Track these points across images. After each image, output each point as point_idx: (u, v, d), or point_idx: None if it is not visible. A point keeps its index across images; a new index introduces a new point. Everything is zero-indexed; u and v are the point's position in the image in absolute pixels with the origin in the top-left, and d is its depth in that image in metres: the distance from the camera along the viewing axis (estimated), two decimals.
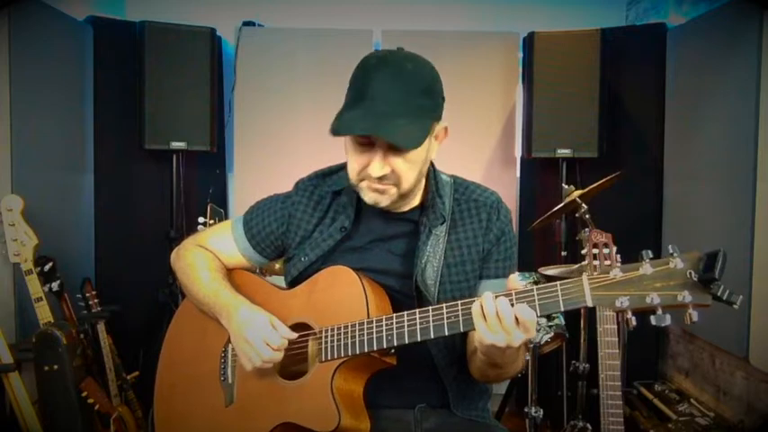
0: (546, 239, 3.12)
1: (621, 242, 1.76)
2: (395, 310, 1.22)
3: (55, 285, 2.42)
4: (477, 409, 1.41)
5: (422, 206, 1.36)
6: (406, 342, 1.17)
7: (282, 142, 3.26)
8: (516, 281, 1.12)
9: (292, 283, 1.41)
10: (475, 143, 3.25)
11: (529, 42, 3.07)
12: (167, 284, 2.93)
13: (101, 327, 2.58)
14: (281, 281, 1.50)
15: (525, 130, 3.11)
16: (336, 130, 1.20)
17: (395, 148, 1.21)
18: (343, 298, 1.26)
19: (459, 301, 1.13)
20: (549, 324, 2.37)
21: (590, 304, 1.03)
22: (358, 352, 1.21)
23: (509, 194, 3.25)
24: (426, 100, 1.22)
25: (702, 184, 2.69)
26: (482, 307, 1.08)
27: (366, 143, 1.22)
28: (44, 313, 2.28)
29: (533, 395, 2.57)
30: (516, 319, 1.05)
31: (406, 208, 1.36)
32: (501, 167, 3.31)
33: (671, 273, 0.98)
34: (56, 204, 2.74)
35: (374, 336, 1.19)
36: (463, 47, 3.25)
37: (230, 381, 1.39)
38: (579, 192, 2.41)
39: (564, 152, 2.99)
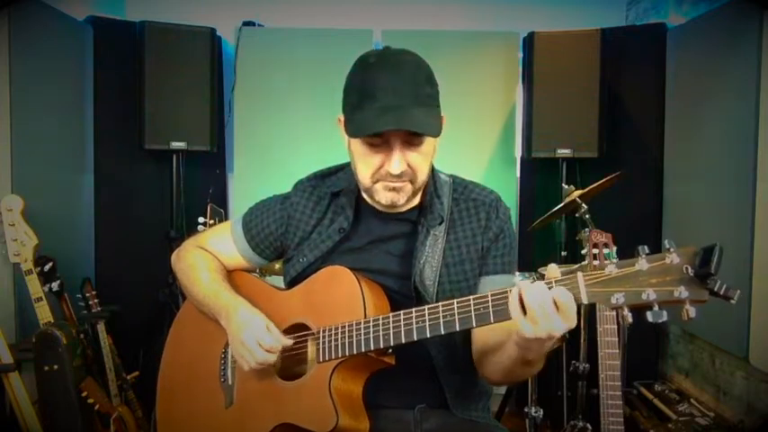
0: (546, 239, 3.12)
1: (621, 242, 1.76)
2: (394, 311, 1.22)
3: (55, 285, 2.42)
4: (478, 410, 1.41)
5: (420, 206, 1.36)
6: (403, 342, 1.17)
7: (282, 142, 3.26)
8: (556, 269, 1.06)
9: (291, 283, 1.41)
10: (475, 143, 3.25)
11: (529, 42, 3.07)
12: (167, 284, 2.93)
13: (101, 327, 2.58)
14: (280, 281, 1.50)
15: (525, 130, 3.11)
16: (357, 132, 1.19)
17: (409, 143, 1.21)
18: (341, 298, 1.26)
19: (454, 300, 1.12)
20: None
21: (585, 301, 1.01)
22: (355, 352, 1.20)
23: (509, 194, 3.25)
24: (431, 88, 1.23)
25: (702, 184, 2.69)
26: (521, 298, 1.03)
27: (379, 143, 1.22)
28: (44, 313, 2.28)
29: (533, 395, 2.57)
30: (555, 304, 1.01)
31: (405, 208, 1.36)
32: (501, 167, 3.31)
33: (667, 268, 0.96)
34: (56, 204, 2.74)
35: (371, 335, 1.19)
36: (463, 47, 3.25)
37: (230, 382, 1.39)
38: (579, 192, 2.41)
39: (564, 152, 2.99)
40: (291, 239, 1.43)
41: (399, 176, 1.23)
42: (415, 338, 1.15)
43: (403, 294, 1.31)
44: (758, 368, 2.34)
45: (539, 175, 3.31)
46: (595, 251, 1.77)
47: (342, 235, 1.37)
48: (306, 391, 1.26)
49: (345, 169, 1.44)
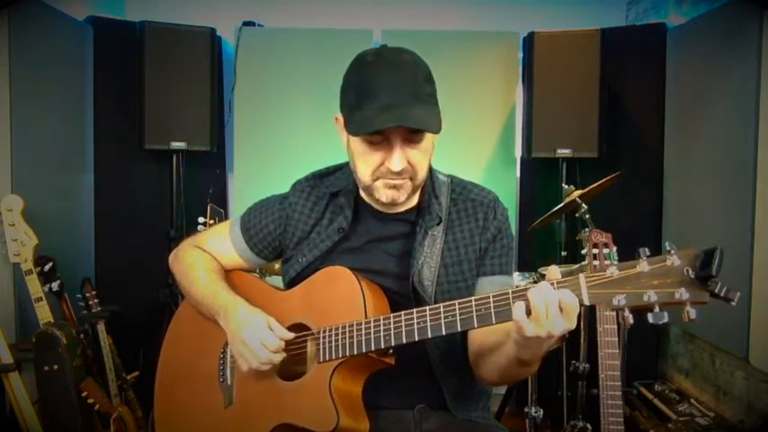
0: (546, 239, 3.12)
1: (621, 242, 1.76)
2: (393, 311, 1.22)
3: (55, 285, 2.42)
4: (477, 410, 1.41)
5: (418, 207, 1.36)
6: (404, 342, 1.17)
7: (282, 142, 3.26)
8: (557, 271, 1.07)
9: (290, 283, 1.41)
10: (475, 143, 3.25)
11: (529, 42, 3.07)
12: (167, 284, 2.93)
13: (101, 327, 2.58)
14: (280, 281, 1.50)
15: (525, 130, 3.11)
16: (358, 130, 1.19)
17: (409, 140, 1.21)
18: (341, 298, 1.26)
19: (456, 301, 1.13)
20: None
21: (587, 303, 1.02)
22: (356, 352, 1.20)
23: (509, 194, 3.25)
24: (430, 86, 1.23)
25: (702, 184, 2.69)
26: (530, 299, 1.03)
27: (379, 140, 1.22)
28: (44, 313, 2.28)
29: (533, 395, 2.57)
30: (560, 306, 1.01)
31: (403, 208, 1.36)
32: (501, 167, 3.31)
33: (668, 270, 0.97)
34: (56, 204, 2.74)
35: (372, 336, 1.19)
36: (463, 47, 3.26)
37: (229, 382, 1.39)
38: (579, 192, 2.41)
39: (564, 152, 2.99)
40: (290, 239, 1.43)
41: (400, 174, 1.23)
42: (416, 339, 1.15)
43: (401, 294, 1.31)
44: (758, 368, 2.34)
45: (539, 175, 3.31)
46: (595, 251, 1.77)
47: (341, 235, 1.37)
48: (306, 391, 1.26)
49: (344, 169, 1.44)
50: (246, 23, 3.26)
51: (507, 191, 3.24)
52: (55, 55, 2.75)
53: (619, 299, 0.99)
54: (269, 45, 3.26)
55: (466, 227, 1.36)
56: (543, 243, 3.19)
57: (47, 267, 2.38)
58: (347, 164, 1.36)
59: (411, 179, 1.26)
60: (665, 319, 0.97)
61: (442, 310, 1.14)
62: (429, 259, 1.32)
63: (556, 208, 2.48)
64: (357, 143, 1.24)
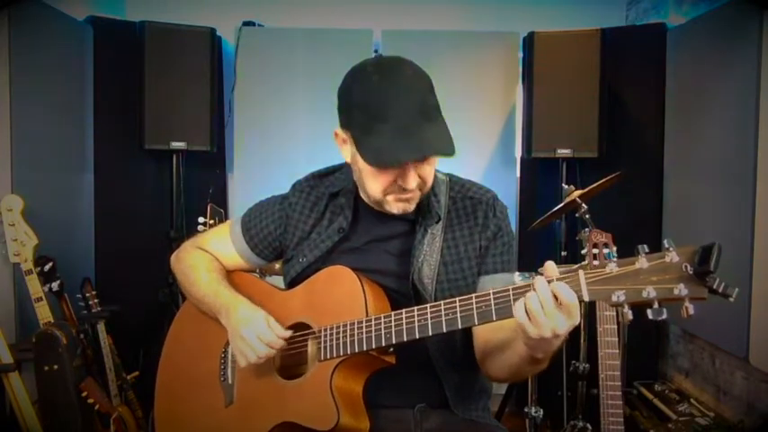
0: (546, 239, 3.12)
1: (621, 242, 1.77)
2: (393, 310, 1.22)
3: (55, 285, 2.42)
4: (478, 410, 1.41)
5: (418, 205, 1.36)
6: (405, 340, 1.17)
7: (282, 142, 3.26)
8: (553, 266, 1.06)
9: (291, 283, 1.41)
10: (475, 143, 3.25)
11: (529, 42, 3.07)
12: (167, 284, 2.93)
13: (101, 327, 2.58)
14: (280, 281, 1.50)
15: (525, 130, 3.11)
16: (378, 162, 1.18)
17: (421, 159, 1.21)
18: (343, 297, 1.26)
19: (456, 299, 1.13)
20: None
21: (586, 299, 1.02)
22: (357, 350, 1.21)
23: (509, 194, 3.25)
24: (434, 97, 1.22)
25: (702, 184, 2.69)
26: (525, 302, 1.03)
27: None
28: (44, 313, 2.28)
29: (533, 395, 2.57)
30: (557, 300, 1.01)
31: None
32: (501, 167, 3.31)
33: (667, 266, 0.98)
34: (56, 204, 2.74)
35: (372, 334, 1.19)
36: (463, 47, 3.26)
37: (230, 381, 1.39)
38: (579, 192, 2.41)
39: (564, 152, 2.99)
40: (290, 240, 1.43)
41: (412, 189, 1.24)
42: (417, 336, 1.16)
43: (402, 293, 1.32)
44: (758, 368, 2.34)
45: (539, 175, 3.30)
46: (595, 251, 1.77)
47: (341, 235, 1.37)
48: (307, 390, 1.26)
49: (343, 169, 1.44)
50: (246, 23, 3.26)
51: (507, 191, 3.24)
52: (55, 55, 2.75)
53: (618, 295, 1.00)
54: (269, 45, 3.27)
55: (465, 225, 1.36)
56: (543, 243, 3.19)
57: (47, 267, 2.38)
58: (346, 164, 1.36)
59: (420, 190, 1.27)
60: (664, 315, 0.97)
61: (442, 307, 1.14)
62: (429, 257, 1.32)
63: (556, 208, 2.48)
64: (366, 164, 1.22)
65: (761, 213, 2.27)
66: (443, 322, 1.13)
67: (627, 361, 2.55)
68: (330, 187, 1.43)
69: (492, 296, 1.09)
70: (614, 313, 1.95)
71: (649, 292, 0.97)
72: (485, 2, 3.46)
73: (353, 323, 1.22)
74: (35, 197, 2.41)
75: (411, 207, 1.29)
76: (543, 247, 3.19)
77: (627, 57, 3.09)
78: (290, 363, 1.34)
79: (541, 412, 2.59)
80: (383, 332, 1.18)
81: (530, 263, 2.97)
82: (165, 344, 1.54)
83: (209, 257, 1.50)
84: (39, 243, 2.30)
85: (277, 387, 1.31)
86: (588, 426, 2.55)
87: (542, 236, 3.12)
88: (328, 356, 1.24)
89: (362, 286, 1.24)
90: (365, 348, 1.20)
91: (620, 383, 1.92)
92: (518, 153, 3.29)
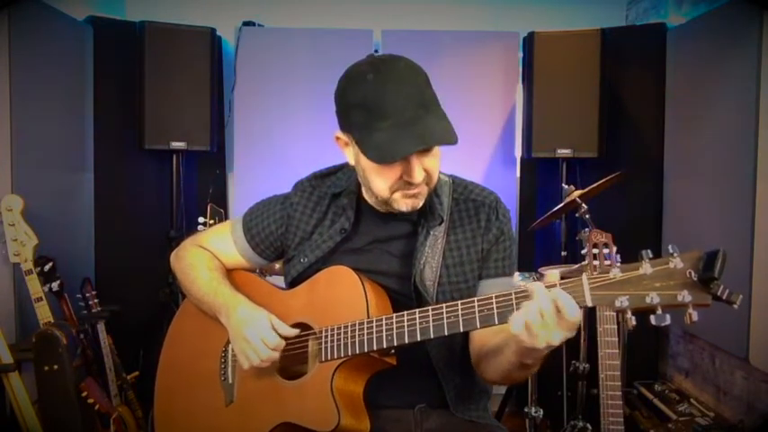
0: (546, 239, 3.12)
1: (621, 242, 1.76)
2: (395, 311, 1.22)
3: (55, 285, 2.42)
4: (479, 410, 1.41)
5: (420, 207, 1.36)
6: (406, 342, 1.17)
7: (282, 142, 3.26)
8: (557, 275, 1.08)
9: (292, 283, 1.41)
10: (475, 143, 3.25)
11: (529, 42, 3.07)
12: (167, 284, 2.93)
13: (101, 327, 2.58)
14: (280, 281, 1.50)
15: (525, 130, 3.11)
16: (383, 158, 1.17)
17: (425, 150, 1.20)
18: (344, 298, 1.26)
19: (458, 302, 1.13)
20: None
21: (590, 304, 1.02)
22: (358, 352, 1.21)
23: (509, 194, 3.25)
24: (431, 89, 1.21)
25: (702, 183, 2.69)
26: (524, 314, 1.02)
27: None
28: (44, 313, 2.28)
29: (533, 395, 2.57)
30: (558, 314, 1.01)
31: None
32: (501, 167, 3.31)
33: (671, 272, 0.97)
34: (56, 204, 2.74)
35: (374, 336, 1.19)
36: (463, 47, 3.26)
37: (230, 380, 1.39)
38: (579, 192, 2.41)
39: (564, 152, 2.99)
40: (291, 240, 1.43)
41: (418, 184, 1.23)
42: (419, 339, 1.16)
43: (403, 295, 1.31)
44: (758, 368, 2.34)
45: (539, 175, 3.31)
46: (595, 251, 1.77)
47: (343, 235, 1.37)
48: (307, 391, 1.26)
49: (344, 169, 1.44)
50: (246, 23, 3.26)
51: (507, 191, 3.24)
52: (55, 55, 2.74)
53: (621, 300, 0.99)
54: (269, 45, 3.26)
55: (468, 227, 1.36)
56: (543, 243, 3.19)
57: (47, 267, 2.38)
58: (348, 164, 1.35)
59: (427, 184, 1.26)
60: (668, 321, 0.97)
61: (444, 310, 1.14)
62: (431, 259, 1.32)
63: (556, 208, 2.48)
64: (370, 162, 1.21)
65: (761, 213, 2.27)
66: (445, 325, 1.13)
67: (627, 361, 2.55)
68: (332, 187, 1.42)
69: (494, 300, 1.09)
70: (614, 313, 1.95)
71: (653, 298, 0.97)
72: (485, 2, 3.46)
73: (354, 324, 1.22)
74: (35, 197, 2.41)
75: (419, 203, 1.28)
76: (543, 247, 3.19)
77: (627, 57, 3.09)
78: (290, 363, 1.34)
79: (541, 412, 2.59)
80: (384, 334, 1.18)
81: (530, 263, 3.00)
82: (164, 343, 1.53)
83: (209, 256, 1.50)
84: (39, 243, 2.30)
85: (277, 387, 1.31)
86: (588, 426, 2.55)
87: (542, 236, 3.13)
88: (329, 357, 1.24)
89: (364, 287, 1.24)
90: (366, 350, 1.20)
91: (620, 383, 1.92)
92: (518, 153, 3.29)
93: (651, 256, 0.99)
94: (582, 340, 2.59)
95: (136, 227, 3.15)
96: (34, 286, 2.28)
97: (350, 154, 1.29)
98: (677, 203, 2.95)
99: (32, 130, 2.54)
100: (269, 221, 1.46)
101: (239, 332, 1.29)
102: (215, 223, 2.40)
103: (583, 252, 1.83)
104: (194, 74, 2.97)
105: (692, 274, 0.95)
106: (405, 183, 1.23)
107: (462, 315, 1.12)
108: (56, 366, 2.16)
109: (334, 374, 1.23)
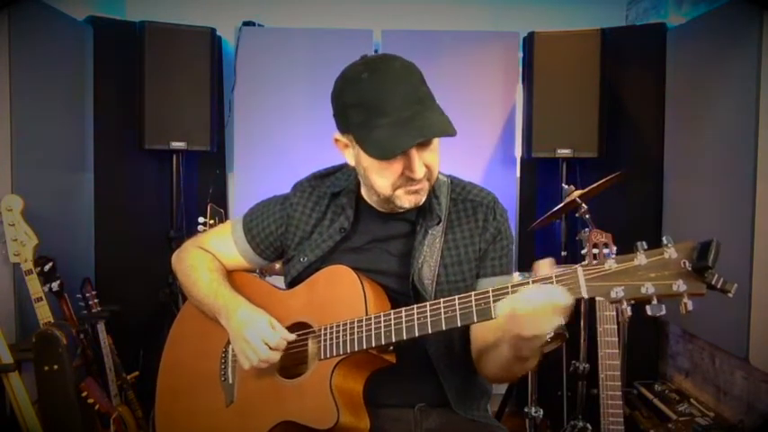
0: (546, 239, 3.12)
1: (621, 242, 1.76)
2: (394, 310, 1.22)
3: (55, 285, 2.42)
4: (479, 409, 1.41)
5: (419, 207, 1.36)
6: (404, 338, 1.17)
7: (282, 142, 3.26)
8: (546, 267, 1.09)
9: (291, 283, 1.41)
10: (475, 143, 3.25)
11: (529, 42, 3.07)
12: (167, 284, 2.93)
13: (101, 327, 2.58)
14: (281, 281, 1.51)
15: (525, 130, 3.11)
16: (384, 154, 1.18)
17: (424, 145, 1.21)
18: (343, 297, 1.26)
19: (456, 297, 1.14)
20: None
21: (585, 295, 1.03)
22: (356, 349, 1.21)
23: (509, 194, 3.25)
24: (426, 86, 1.23)
25: (702, 183, 2.69)
26: (511, 301, 1.05)
27: None
28: (44, 313, 2.28)
29: (533, 395, 2.57)
30: (543, 301, 1.02)
31: None
32: (501, 167, 3.31)
33: (665, 263, 0.99)
34: (56, 204, 2.74)
35: (372, 333, 1.20)
36: (463, 47, 3.26)
37: (231, 381, 1.39)
38: (579, 192, 2.41)
39: (564, 152, 2.99)
40: (291, 240, 1.43)
41: (420, 179, 1.24)
42: (416, 334, 1.16)
43: (402, 294, 1.32)
44: (758, 368, 2.33)
45: (539, 175, 3.31)
46: (595, 251, 1.77)
47: (342, 235, 1.37)
48: (307, 389, 1.27)
49: (344, 169, 1.44)
50: (246, 23, 3.26)
51: (507, 191, 3.24)
52: (55, 55, 2.74)
53: (617, 291, 1.00)
54: (269, 45, 3.26)
55: (466, 227, 1.36)
56: (543, 243, 3.19)
57: (47, 267, 2.38)
58: (347, 164, 1.36)
59: (428, 180, 1.27)
60: (663, 312, 0.98)
61: (441, 305, 1.14)
62: (429, 258, 1.32)
63: (556, 208, 2.48)
64: (371, 160, 1.22)
65: (761, 213, 2.27)
66: (442, 320, 1.14)
67: (627, 361, 2.55)
68: (331, 187, 1.43)
69: (491, 294, 1.10)
70: (614, 313, 1.95)
71: (648, 288, 0.98)
72: (485, 2, 3.46)
73: (353, 322, 1.22)
74: (35, 197, 2.41)
75: (422, 198, 1.28)
76: (543, 247, 3.19)
77: (627, 57, 3.09)
78: (290, 362, 1.34)
79: (541, 412, 2.59)
80: (383, 330, 1.19)
81: (530, 263, 2.98)
82: (166, 344, 1.54)
83: (209, 257, 1.50)
84: (39, 243, 2.30)
85: (277, 386, 1.31)
86: (588, 426, 2.55)
87: (542, 236, 3.12)
88: (328, 355, 1.24)
89: (362, 285, 1.25)
90: (365, 347, 1.20)
91: (620, 383, 1.92)
92: (518, 153, 3.29)
93: (646, 247, 1.01)
94: (582, 340, 2.59)
95: (136, 227, 3.15)
96: (34, 286, 2.28)
97: (350, 155, 1.30)
98: (677, 203, 2.95)
99: (32, 130, 2.54)
100: (269, 222, 1.46)
101: (240, 333, 1.30)
102: (215, 223, 2.40)
103: (583, 252, 1.83)
104: (194, 74, 2.97)
105: (687, 263, 0.97)
106: (406, 179, 1.23)
107: (459, 310, 1.12)
108: (56, 366, 2.16)
109: (332, 372, 1.23)
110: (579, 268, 1.03)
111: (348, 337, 1.22)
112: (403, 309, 1.18)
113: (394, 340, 1.18)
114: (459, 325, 1.13)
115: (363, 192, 1.38)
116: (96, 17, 3.06)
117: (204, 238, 1.58)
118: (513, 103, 3.27)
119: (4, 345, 2.16)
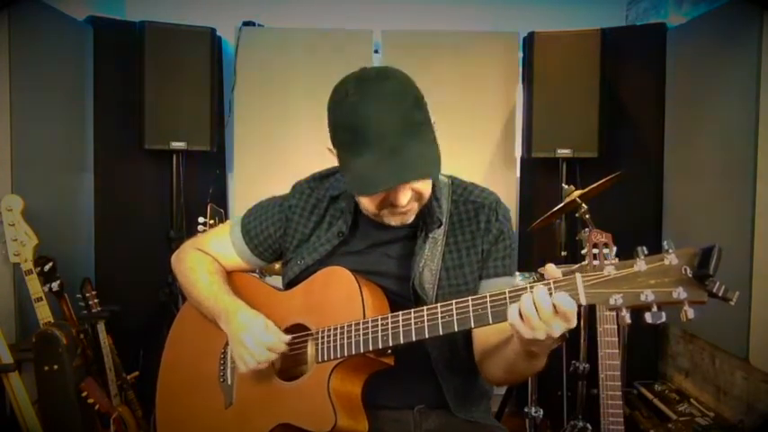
0: (546, 239, 3.12)
1: (621, 242, 1.76)
2: (393, 312, 1.22)
3: (55, 285, 2.42)
4: (480, 411, 1.41)
5: (419, 210, 1.36)
6: (401, 342, 1.16)
7: (282, 142, 3.26)
8: (554, 269, 1.06)
9: (289, 285, 1.41)
10: (475, 143, 3.25)
11: (529, 42, 3.07)
12: (167, 284, 2.93)
13: (101, 327, 2.58)
14: (280, 281, 1.50)
15: (525, 130, 3.11)
16: (361, 190, 1.18)
17: None
18: (340, 299, 1.26)
19: (453, 301, 1.12)
20: None
21: (584, 302, 1.01)
22: (354, 352, 1.20)
23: (509, 194, 3.25)
24: (419, 112, 1.19)
25: (702, 184, 2.69)
26: (520, 305, 1.03)
27: None
28: (44, 313, 2.28)
29: (533, 395, 2.57)
30: (555, 308, 1.00)
31: None
32: (501, 167, 3.31)
33: (665, 269, 0.96)
34: (56, 204, 2.74)
35: (370, 336, 1.19)
36: (463, 47, 3.25)
37: (229, 382, 1.39)
38: (579, 192, 2.41)
39: (564, 152, 2.99)
40: (290, 242, 1.43)
41: (404, 206, 1.22)
42: (414, 339, 1.15)
43: (402, 296, 1.31)
44: (758, 368, 2.33)
45: (539, 175, 3.30)
46: (595, 251, 1.77)
47: (341, 239, 1.37)
48: (305, 392, 1.26)
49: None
50: (246, 23, 3.26)
51: (507, 191, 3.23)
52: (55, 55, 2.75)
53: (616, 298, 0.98)
54: (269, 45, 3.26)
55: (467, 230, 1.35)
56: (543, 243, 3.19)
57: (47, 267, 2.38)
58: None
59: (417, 201, 1.25)
60: (663, 319, 0.96)
61: (439, 310, 1.13)
62: (430, 262, 1.31)
63: (556, 208, 2.48)
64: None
65: (761, 213, 2.27)
66: (440, 325, 1.13)
67: (627, 361, 2.55)
68: (331, 190, 1.42)
69: (488, 299, 1.09)
70: (614, 313, 1.95)
71: (647, 295, 0.96)
72: (485, 2, 3.45)
73: (351, 325, 1.22)
74: (35, 197, 2.41)
75: (409, 219, 1.28)
76: (543, 247, 3.18)
77: (627, 57, 3.09)
78: (289, 364, 1.34)
79: (541, 412, 2.59)
80: (380, 334, 1.18)
81: (530, 263, 2.99)
82: (165, 345, 1.54)
83: (209, 259, 1.50)
84: (39, 243, 2.31)
85: (275, 389, 1.31)
86: (588, 426, 2.55)
87: (542, 236, 3.12)
88: (325, 358, 1.24)
89: (359, 287, 1.24)
90: (362, 350, 1.20)
91: (620, 383, 1.92)
92: (518, 153, 3.28)
93: (646, 252, 0.98)
94: (582, 340, 2.59)
95: (136, 227, 3.15)
96: (34, 286, 2.29)
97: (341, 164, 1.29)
98: (677, 203, 2.95)
99: (32, 130, 2.54)
100: (267, 224, 1.46)
101: (237, 337, 1.29)
102: (215, 223, 2.40)
103: (583, 252, 1.83)
104: (194, 74, 2.97)
105: (688, 270, 0.94)
106: (391, 204, 1.22)
107: (457, 314, 1.11)
108: (56, 366, 2.17)
109: (330, 375, 1.22)
110: (578, 274, 1.02)
111: (345, 341, 1.21)
112: (400, 313, 1.18)
113: (391, 344, 1.17)
114: (456, 330, 1.11)
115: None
116: (96, 17, 3.07)
117: (203, 239, 1.58)
118: (512, 102, 3.27)
119: (4, 345, 2.16)
